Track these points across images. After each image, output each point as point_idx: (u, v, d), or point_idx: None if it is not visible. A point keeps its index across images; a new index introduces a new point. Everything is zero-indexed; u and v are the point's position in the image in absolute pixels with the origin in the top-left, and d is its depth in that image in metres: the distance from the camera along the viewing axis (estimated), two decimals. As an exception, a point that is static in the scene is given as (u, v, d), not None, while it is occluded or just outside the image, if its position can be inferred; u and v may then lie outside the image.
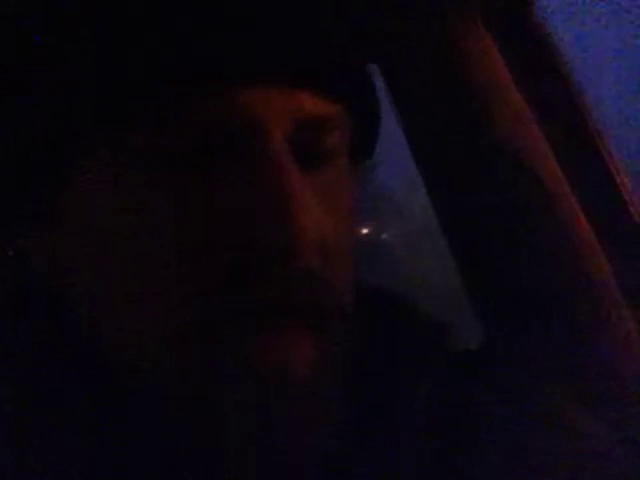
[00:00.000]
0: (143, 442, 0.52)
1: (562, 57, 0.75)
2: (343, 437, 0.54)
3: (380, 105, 0.61)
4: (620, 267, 0.70)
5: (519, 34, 0.73)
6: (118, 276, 0.52)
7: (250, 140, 0.51)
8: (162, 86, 0.50)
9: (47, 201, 0.54)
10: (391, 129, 0.67)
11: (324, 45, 0.55)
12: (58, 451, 0.51)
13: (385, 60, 0.70)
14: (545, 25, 0.75)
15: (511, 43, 0.72)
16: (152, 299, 0.51)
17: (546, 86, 0.73)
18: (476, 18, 0.70)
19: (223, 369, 0.50)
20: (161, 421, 0.52)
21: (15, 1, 0.55)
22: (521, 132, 0.70)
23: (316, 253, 0.51)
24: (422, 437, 0.57)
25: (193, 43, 0.50)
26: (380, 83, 0.70)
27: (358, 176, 0.61)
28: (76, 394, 0.53)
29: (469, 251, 0.72)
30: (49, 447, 0.51)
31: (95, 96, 0.51)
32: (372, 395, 0.56)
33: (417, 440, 0.57)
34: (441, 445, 0.57)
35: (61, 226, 0.54)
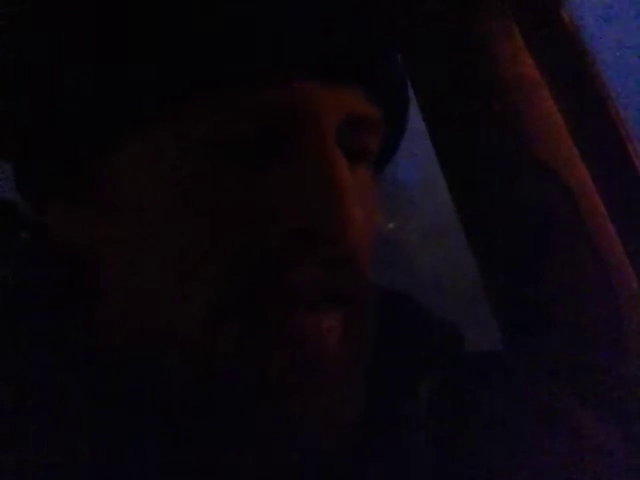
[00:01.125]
0: (149, 436, 0.53)
1: (593, 58, 0.74)
2: (349, 435, 0.54)
3: (409, 115, 0.62)
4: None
5: (550, 34, 0.72)
6: (159, 254, 0.53)
7: (306, 130, 0.53)
8: (224, 74, 0.52)
9: (92, 174, 0.55)
10: (411, 123, 0.67)
11: (374, 47, 0.57)
12: (58, 450, 0.52)
13: (411, 57, 0.69)
14: (576, 25, 0.74)
15: (542, 43, 0.71)
16: (194, 276, 0.52)
17: (575, 87, 0.72)
18: (507, 16, 0.69)
19: (262, 344, 0.51)
20: (174, 409, 0.53)
21: None
22: (549, 136, 0.69)
23: (355, 240, 0.53)
24: (427, 436, 0.58)
25: (256, 33, 0.52)
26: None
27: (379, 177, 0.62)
28: (77, 392, 0.53)
29: (491, 252, 0.72)
30: (49, 445, 0.52)
31: (160, 80, 0.53)
32: (378, 394, 0.57)
33: (421, 439, 0.58)
34: (445, 444, 0.58)
35: (102, 200, 0.55)
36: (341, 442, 0.54)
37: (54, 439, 0.52)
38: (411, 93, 0.68)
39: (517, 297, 0.70)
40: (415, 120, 0.71)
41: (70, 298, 0.57)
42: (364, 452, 0.56)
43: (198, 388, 0.52)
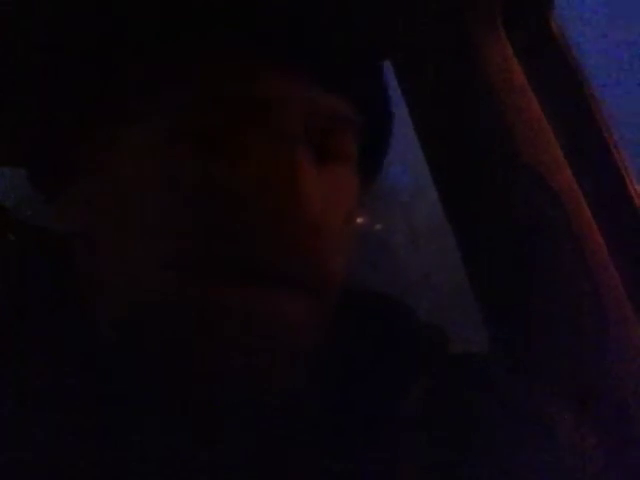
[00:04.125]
0: (150, 436, 0.53)
1: (580, 65, 0.75)
2: (341, 437, 0.55)
3: (393, 117, 0.63)
4: (630, 273, 0.70)
5: (538, 41, 0.73)
6: (141, 240, 0.54)
7: (270, 116, 0.54)
8: (193, 59, 0.53)
9: (86, 162, 0.57)
10: (399, 128, 0.67)
11: (346, 44, 0.56)
12: (58, 450, 0.52)
13: (400, 58, 0.70)
14: (564, 33, 0.74)
15: (529, 50, 0.71)
16: (166, 248, 0.53)
17: (563, 94, 0.73)
18: (495, 21, 0.70)
19: (212, 312, 0.53)
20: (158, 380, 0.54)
21: None
22: (536, 141, 0.69)
23: (316, 234, 0.53)
24: (419, 438, 0.58)
25: (224, 17, 0.53)
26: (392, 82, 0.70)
27: (371, 181, 0.62)
28: (77, 392, 0.54)
29: (478, 255, 0.72)
30: (49, 445, 0.52)
31: (145, 68, 0.54)
32: (368, 396, 0.57)
33: (414, 442, 0.58)
34: (438, 446, 0.58)
35: (93, 188, 0.57)
36: (312, 433, 0.55)
37: (54, 439, 0.52)
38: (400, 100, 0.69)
39: (504, 300, 0.71)
40: (405, 124, 0.72)
41: (67, 297, 0.57)
42: (359, 452, 0.56)
43: (154, 365, 0.54)
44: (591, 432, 0.63)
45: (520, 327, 0.69)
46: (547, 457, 0.60)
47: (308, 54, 0.54)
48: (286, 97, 0.54)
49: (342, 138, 0.57)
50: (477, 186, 0.70)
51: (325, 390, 0.57)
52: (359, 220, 0.64)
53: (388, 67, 0.71)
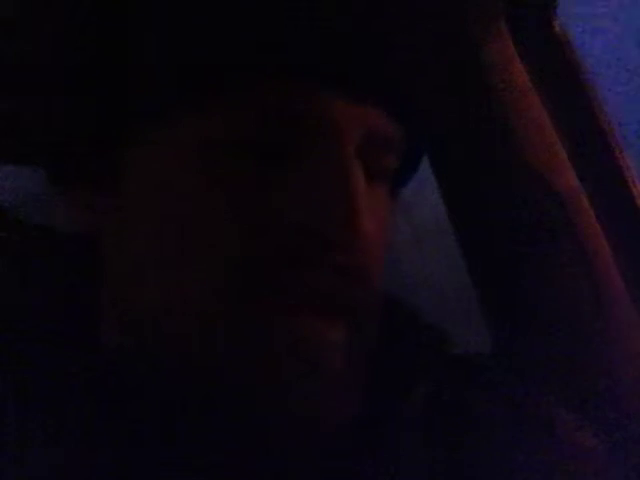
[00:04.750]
0: (151, 435, 0.53)
1: (582, 65, 0.75)
2: (342, 438, 0.55)
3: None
4: (632, 274, 0.70)
5: (540, 41, 0.73)
6: (163, 249, 0.54)
7: (328, 138, 0.53)
8: (249, 74, 0.53)
9: (110, 165, 0.56)
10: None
11: (400, 66, 0.57)
12: (59, 450, 0.52)
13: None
14: (567, 33, 0.74)
15: (532, 50, 0.71)
16: (196, 274, 0.52)
17: (565, 95, 0.73)
18: (497, 22, 0.70)
19: (261, 346, 0.52)
20: (175, 402, 0.53)
21: None
22: (539, 142, 0.70)
23: (366, 253, 0.53)
24: (420, 439, 0.58)
25: (278, 37, 0.53)
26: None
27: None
28: (78, 392, 0.54)
29: (481, 255, 0.72)
30: (50, 445, 0.52)
31: (182, 75, 0.53)
32: (370, 397, 0.57)
33: (415, 442, 0.58)
34: (439, 447, 0.58)
35: (116, 191, 0.56)
36: (334, 442, 0.54)
37: (54, 439, 0.52)
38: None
39: (506, 300, 0.71)
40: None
41: (69, 296, 0.57)
42: (359, 453, 0.56)
43: (195, 387, 0.52)
44: (591, 432, 0.63)
45: (521, 327, 0.69)
46: (547, 457, 0.60)
47: (361, 77, 0.54)
48: (346, 117, 0.53)
49: (390, 157, 0.57)
50: (479, 186, 0.70)
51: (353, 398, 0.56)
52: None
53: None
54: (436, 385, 0.61)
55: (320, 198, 0.52)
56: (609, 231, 0.70)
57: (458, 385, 0.63)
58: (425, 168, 0.74)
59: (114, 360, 0.55)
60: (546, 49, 0.73)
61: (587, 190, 0.70)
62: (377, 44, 0.56)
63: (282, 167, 0.53)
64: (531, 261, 0.69)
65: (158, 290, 0.54)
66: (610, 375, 0.67)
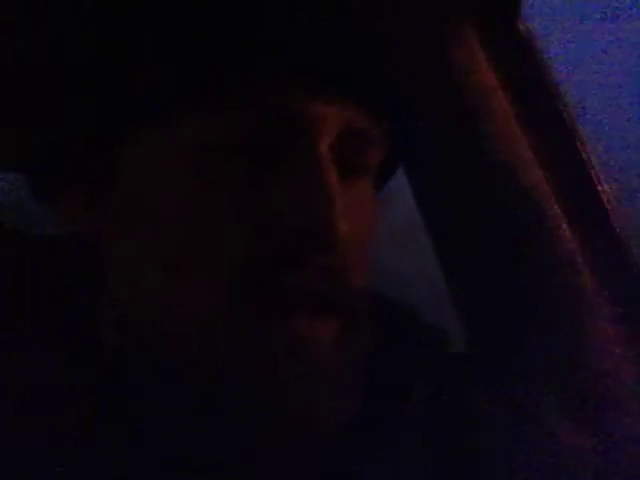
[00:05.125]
0: (151, 435, 0.54)
1: (547, 64, 0.75)
2: (344, 437, 0.55)
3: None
4: (602, 274, 0.71)
5: (506, 41, 0.73)
6: (161, 251, 0.54)
7: (303, 138, 0.54)
8: (233, 76, 0.53)
9: (105, 169, 0.56)
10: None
11: (378, 63, 0.58)
12: (59, 450, 0.53)
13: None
14: (532, 32, 0.75)
15: (498, 49, 0.72)
16: (194, 276, 0.53)
17: (531, 94, 0.73)
18: (464, 23, 0.70)
19: (259, 346, 0.52)
20: (176, 400, 0.54)
21: None
22: (506, 142, 0.70)
23: (346, 251, 0.54)
24: (420, 439, 0.59)
25: (268, 40, 0.54)
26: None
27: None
28: (79, 392, 0.54)
29: (455, 260, 0.73)
30: (50, 445, 0.53)
31: (176, 78, 0.54)
32: (370, 397, 0.57)
33: (415, 442, 0.59)
34: (439, 447, 0.59)
35: (112, 195, 0.56)
36: (334, 442, 0.55)
37: (55, 439, 0.53)
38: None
39: (480, 302, 0.71)
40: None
41: (72, 297, 0.58)
42: (359, 453, 0.57)
43: (195, 387, 0.53)
44: (591, 432, 0.64)
45: (498, 328, 0.69)
46: (547, 457, 0.61)
47: (341, 75, 0.55)
48: (321, 115, 0.54)
49: (370, 153, 0.58)
50: (447, 186, 0.71)
51: (352, 398, 0.57)
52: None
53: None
54: (436, 385, 0.61)
55: (297, 200, 0.53)
56: (576, 227, 0.71)
57: (458, 385, 0.63)
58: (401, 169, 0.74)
59: (114, 360, 0.55)
60: (511, 48, 0.73)
61: (553, 187, 0.71)
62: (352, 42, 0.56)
63: (265, 170, 0.54)
64: (503, 260, 0.70)
65: (157, 291, 0.54)
66: (610, 375, 0.67)
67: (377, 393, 0.57)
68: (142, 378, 0.54)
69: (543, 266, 0.70)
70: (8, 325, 0.57)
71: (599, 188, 0.73)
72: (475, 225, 0.70)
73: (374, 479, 0.57)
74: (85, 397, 0.54)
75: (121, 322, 0.56)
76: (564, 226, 0.70)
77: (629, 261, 0.74)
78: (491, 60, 0.71)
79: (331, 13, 0.55)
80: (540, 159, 0.71)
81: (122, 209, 0.56)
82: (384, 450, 0.58)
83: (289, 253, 0.53)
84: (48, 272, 0.60)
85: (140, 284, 0.55)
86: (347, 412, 0.54)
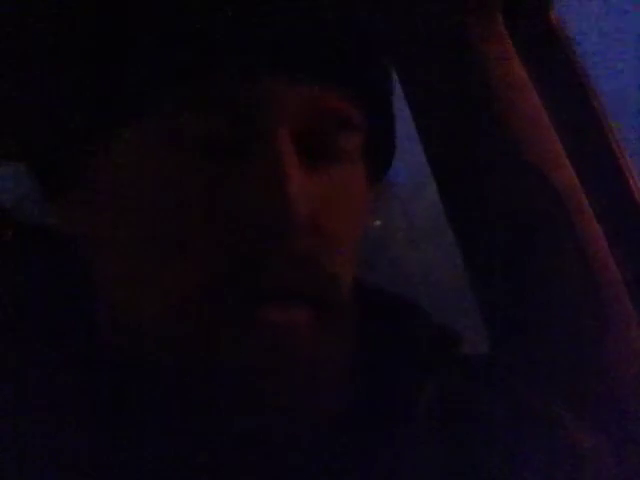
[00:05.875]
0: (150, 435, 0.53)
1: (580, 61, 0.74)
2: (345, 436, 0.55)
3: (394, 115, 0.62)
4: (632, 272, 0.70)
5: (539, 37, 0.73)
6: (141, 244, 0.54)
7: (252, 138, 0.53)
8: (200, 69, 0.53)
9: (85, 165, 0.56)
10: (398, 124, 0.67)
11: (344, 41, 0.56)
12: (58, 449, 0.52)
13: (400, 58, 0.69)
14: (564, 26, 0.74)
15: (530, 46, 0.71)
16: (169, 267, 0.53)
17: (563, 90, 0.73)
18: (496, 19, 0.69)
19: (222, 343, 0.52)
20: (159, 398, 0.53)
21: None
22: (537, 137, 0.69)
23: (310, 237, 0.53)
24: (423, 438, 0.58)
25: (209, 36, 0.53)
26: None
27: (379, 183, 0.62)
28: (78, 391, 0.54)
29: (478, 253, 0.71)
30: (49, 445, 0.52)
31: (143, 79, 0.54)
32: (373, 397, 0.57)
33: (419, 442, 0.58)
34: (443, 446, 0.58)
35: (92, 190, 0.56)
36: (322, 434, 0.54)
37: (54, 439, 0.52)
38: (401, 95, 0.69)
39: (504, 300, 0.70)
40: (404, 121, 0.71)
41: (69, 297, 0.57)
42: (363, 451, 0.56)
43: (179, 385, 0.53)
44: (591, 432, 0.63)
45: (521, 327, 0.69)
46: (548, 457, 0.60)
47: (306, 53, 0.54)
48: (277, 98, 0.53)
49: (347, 137, 0.56)
50: (478, 185, 0.69)
51: (337, 389, 0.56)
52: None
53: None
54: (440, 385, 0.60)
55: (250, 189, 0.52)
56: (607, 228, 0.70)
57: (462, 385, 0.62)
58: (422, 167, 0.73)
59: (113, 360, 0.55)
60: (544, 44, 0.73)
61: (585, 186, 0.70)
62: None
63: (231, 162, 0.53)
64: (530, 260, 0.69)
65: (137, 290, 0.54)
66: (610, 375, 0.67)
67: (382, 392, 0.57)
68: (138, 377, 0.54)
69: (573, 268, 0.68)
70: (8, 325, 0.56)
71: (631, 183, 0.71)
72: (504, 224, 0.69)
73: (377, 478, 0.56)
74: (84, 395, 0.54)
75: (115, 322, 0.56)
76: (596, 227, 0.69)
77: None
78: (523, 56, 0.70)
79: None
80: (572, 156, 0.70)
81: (108, 201, 0.56)
82: (388, 449, 0.57)
83: (251, 244, 0.52)
84: (48, 272, 0.59)
85: (121, 283, 0.55)
86: (333, 401, 0.54)
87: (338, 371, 0.54)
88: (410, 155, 0.74)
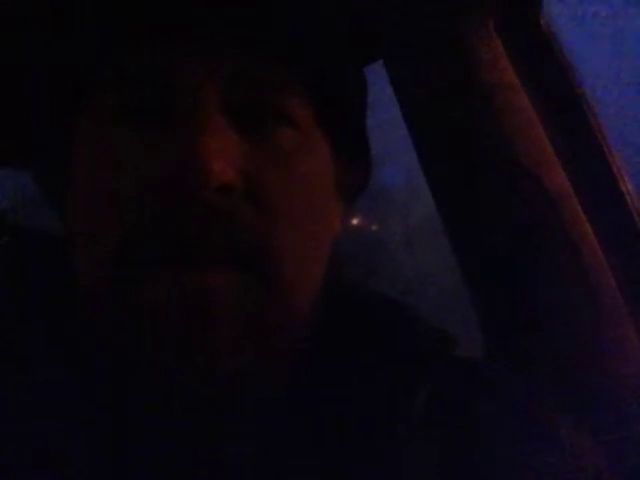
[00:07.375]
0: (149, 434, 0.54)
1: (568, 61, 0.75)
2: (341, 441, 0.55)
3: (362, 83, 0.61)
4: (621, 272, 0.70)
5: (528, 41, 0.73)
6: (84, 209, 0.55)
7: (174, 98, 0.53)
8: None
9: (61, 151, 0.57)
10: (393, 127, 0.67)
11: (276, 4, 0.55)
12: (58, 450, 0.52)
13: (391, 57, 0.70)
14: (553, 31, 0.75)
15: (519, 47, 0.71)
16: (99, 229, 0.54)
17: (552, 90, 0.73)
18: (487, 22, 0.70)
19: (144, 301, 0.52)
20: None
21: None
22: (529, 141, 0.70)
23: (230, 197, 0.52)
24: (422, 441, 0.58)
25: None
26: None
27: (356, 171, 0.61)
28: (77, 392, 0.54)
29: (475, 260, 0.72)
30: (49, 446, 0.52)
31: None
32: (371, 399, 0.57)
33: (416, 444, 0.58)
34: (440, 449, 0.58)
35: (70, 171, 0.57)
36: (335, 441, 0.55)
37: (54, 439, 0.53)
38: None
39: (501, 304, 0.70)
40: (398, 125, 0.72)
41: (65, 298, 0.57)
42: (361, 453, 0.56)
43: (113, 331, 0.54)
44: (590, 432, 0.63)
45: (517, 330, 0.69)
46: (548, 458, 0.60)
47: (236, 19, 0.54)
48: (197, 73, 0.53)
49: (278, 97, 0.55)
50: (469, 186, 0.70)
51: (328, 392, 0.57)
52: (355, 221, 0.63)
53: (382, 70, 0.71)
54: (438, 386, 0.60)
55: (170, 146, 0.52)
56: (600, 232, 0.70)
57: (459, 386, 0.62)
58: (418, 171, 0.74)
59: (113, 360, 0.55)
60: (534, 47, 0.73)
61: (577, 190, 0.70)
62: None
63: (155, 129, 0.54)
64: (525, 263, 0.69)
65: (85, 250, 0.55)
66: (609, 375, 0.67)
67: (379, 393, 0.57)
68: (129, 377, 0.54)
69: (569, 272, 0.69)
70: (8, 325, 0.56)
71: (623, 188, 0.72)
72: (498, 226, 0.69)
73: (375, 479, 0.56)
74: (83, 398, 0.54)
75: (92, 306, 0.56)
76: (589, 231, 0.70)
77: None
78: (513, 58, 0.70)
79: None
80: (562, 158, 0.70)
81: (76, 203, 0.57)
82: (385, 451, 0.57)
83: (164, 199, 0.52)
84: (48, 272, 0.59)
85: (80, 241, 0.55)
86: (239, 362, 0.53)
87: (252, 330, 0.53)
88: (407, 158, 0.74)
